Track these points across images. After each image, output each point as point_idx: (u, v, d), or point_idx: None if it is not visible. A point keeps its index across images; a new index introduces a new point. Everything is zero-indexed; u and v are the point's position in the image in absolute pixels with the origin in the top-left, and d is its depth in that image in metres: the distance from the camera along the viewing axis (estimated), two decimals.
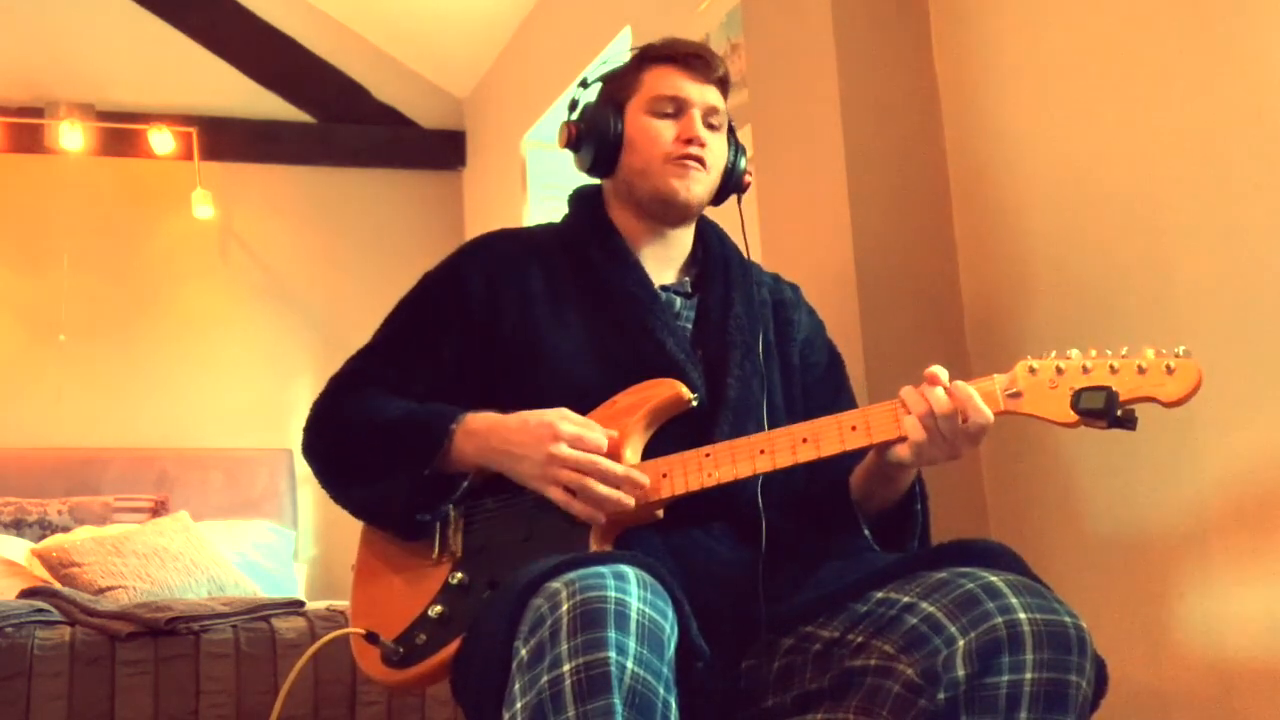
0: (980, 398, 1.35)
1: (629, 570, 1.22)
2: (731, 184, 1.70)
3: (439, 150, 5.22)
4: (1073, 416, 1.31)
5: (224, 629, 2.44)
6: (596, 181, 1.72)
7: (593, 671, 1.13)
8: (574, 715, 1.12)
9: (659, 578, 1.25)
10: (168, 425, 4.64)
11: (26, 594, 2.62)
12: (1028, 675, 1.20)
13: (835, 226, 2.29)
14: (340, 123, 5.09)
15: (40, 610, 2.42)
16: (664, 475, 1.43)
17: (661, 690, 1.17)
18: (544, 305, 1.60)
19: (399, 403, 1.56)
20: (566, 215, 1.74)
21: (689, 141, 1.60)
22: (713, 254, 1.69)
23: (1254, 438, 1.73)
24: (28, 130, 4.65)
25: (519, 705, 1.16)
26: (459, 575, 1.47)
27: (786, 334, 1.68)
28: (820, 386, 1.68)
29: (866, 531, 1.53)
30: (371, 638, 1.48)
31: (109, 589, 3.36)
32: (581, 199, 1.73)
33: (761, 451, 1.41)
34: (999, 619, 1.21)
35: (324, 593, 4.38)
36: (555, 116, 4.12)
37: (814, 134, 2.37)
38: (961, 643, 1.21)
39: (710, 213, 1.72)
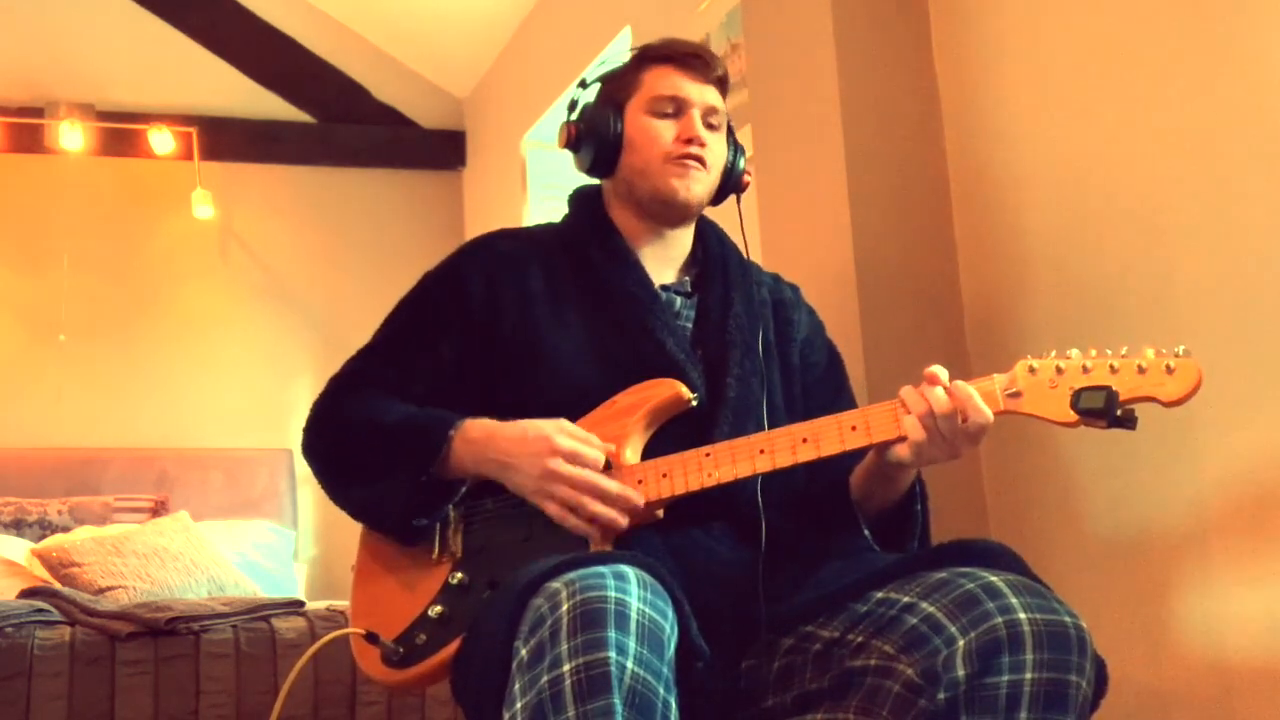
0: (980, 397, 1.35)
1: (629, 570, 1.22)
2: (731, 184, 1.70)
3: (439, 150, 5.22)
4: (1073, 416, 1.31)
5: (224, 629, 2.44)
6: (596, 181, 1.72)
7: (593, 671, 1.13)
8: (574, 715, 1.13)
9: (659, 578, 1.25)
10: (168, 425, 4.64)
11: (26, 594, 2.62)
12: (1028, 675, 1.20)
13: (835, 226, 2.29)
14: (340, 123, 5.09)
15: (40, 610, 2.42)
16: (664, 475, 1.43)
17: (661, 690, 1.17)
18: (544, 305, 1.60)
19: (399, 406, 1.56)
20: (566, 215, 1.74)
21: (689, 141, 1.60)
22: (712, 254, 1.69)
23: (1254, 438, 1.74)
24: (28, 130, 4.65)
25: (519, 705, 1.16)
26: (459, 575, 1.48)
27: (786, 334, 1.68)
28: (820, 386, 1.68)
29: (866, 531, 1.53)
30: (371, 638, 1.48)
31: (109, 589, 3.36)
32: (581, 199, 1.73)
33: (761, 451, 1.41)
34: (999, 619, 1.21)
35: (324, 593, 4.38)
36: (555, 116, 4.12)
37: (814, 134, 2.37)
38: (961, 643, 1.21)
39: (710, 213, 1.72)
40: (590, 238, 1.66)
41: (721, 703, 1.37)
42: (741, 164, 1.71)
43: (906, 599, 1.29)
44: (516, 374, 1.57)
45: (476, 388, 1.59)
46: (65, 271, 4.63)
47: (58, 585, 3.13)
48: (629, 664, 1.15)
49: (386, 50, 5.16)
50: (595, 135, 1.64)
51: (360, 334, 1.71)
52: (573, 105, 1.70)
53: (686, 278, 1.68)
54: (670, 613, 1.23)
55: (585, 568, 1.21)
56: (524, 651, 1.18)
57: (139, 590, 3.39)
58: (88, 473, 4.37)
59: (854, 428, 1.39)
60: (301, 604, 2.66)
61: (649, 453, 1.48)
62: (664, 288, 1.64)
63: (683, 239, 1.69)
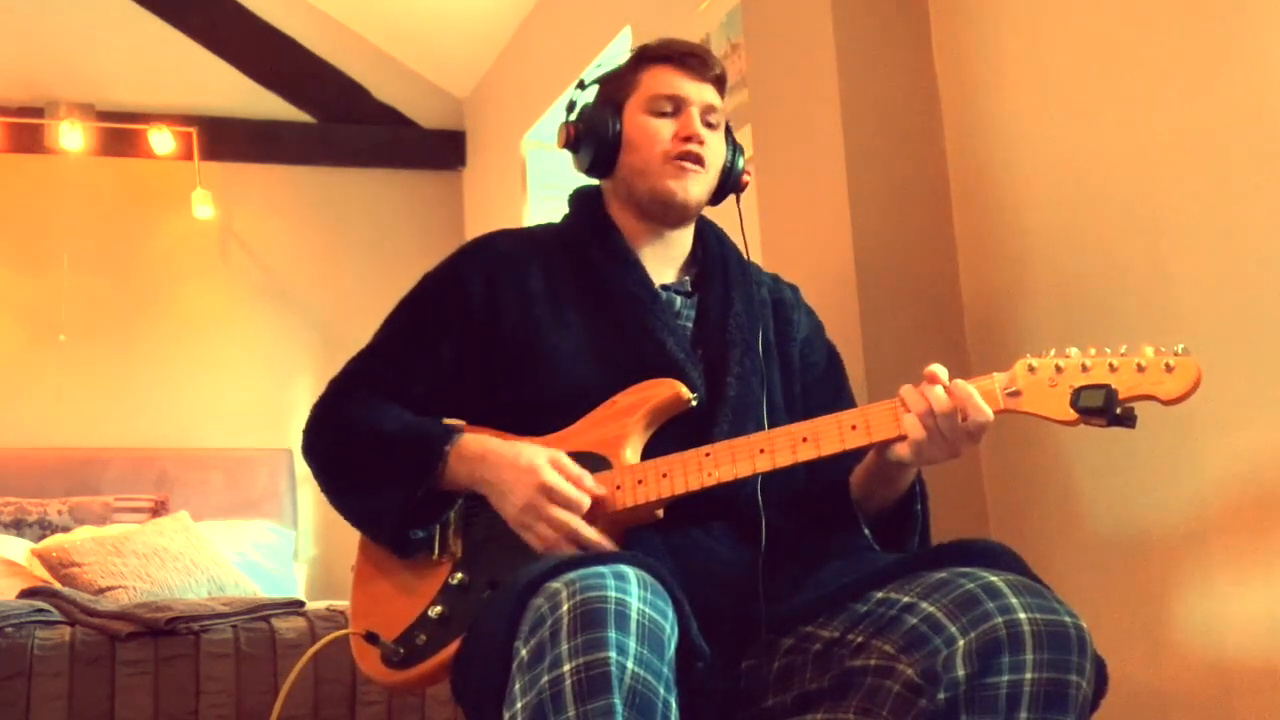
0: (980, 396, 1.35)
1: (629, 570, 1.22)
2: (730, 183, 1.70)
3: (439, 150, 5.22)
4: (1072, 415, 1.31)
5: (224, 629, 2.44)
6: (596, 182, 1.72)
7: (593, 671, 1.13)
8: (574, 715, 1.13)
9: (659, 578, 1.25)
10: (168, 425, 4.64)
11: (26, 594, 2.63)
12: (1028, 675, 1.20)
13: (835, 226, 2.29)
14: (340, 123, 5.09)
15: (40, 610, 2.42)
16: (664, 475, 1.43)
17: (662, 690, 1.17)
18: (544, 305, 1.60)
19: (397, 413, 1.56)
20: (566, 215, 1.74)
21: (688, 139, 1.60)
22: (712, 253, 1.69)
23: (1254, 438, 1.73)
24: (28, 130, 4.65)
25: (519, 705, 1.16)
26: (459, 575, 1.48)
27: (786, 334, 1.68)
28: (820, 386, 1.68)
29: (866, 531, 1.53)
30: (371, 638, 1.48)
31: (109, 589, 3.36)
32: (581, 199, 1.73)
33: (761, 451, 1.41)
34: (999, 619, 1.21)
35: (324, 593, 4.38)
36: (555, 117, 4.11)
37: (814, 134, 2.37)
38: (961, 643, 1.21)
39: (710, 212, 1.72)
40: (590, 237, 1.66)
41: (722, 703, 1.37)
42: (741, 163, 1.71)
43: (906, 599, 1.29)
44: (516, 374, 1.57)
45: (476, 388, 1.59)
46: (65, 271, 4.63)
47: (58, 585, 3.13)
48: (629, 664, 1.15)
49: (386, 50, 5.16)
50: (594, 135, 1.64)
51: (360, 334, 1.71)
52: (571, 106, 1.70)
53: (686, 277, 1.68)
54: (670, 613, 1.23)
55: (585, 568, 1.21)
56: (524, 651, 1.18)
57: (139, 590, 3.39)
58: (88, 473, 4.37)
59: (854, 427, 1.39)
60: (301, 604, 2.66)
61: (649, 452, 1.48)
62: (664, 287, 1.64)
63: (682, 239, 1.69)
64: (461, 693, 1.41)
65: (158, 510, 4.28)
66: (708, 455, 1.43)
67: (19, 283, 4.62)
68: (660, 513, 1.44)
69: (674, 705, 1.19)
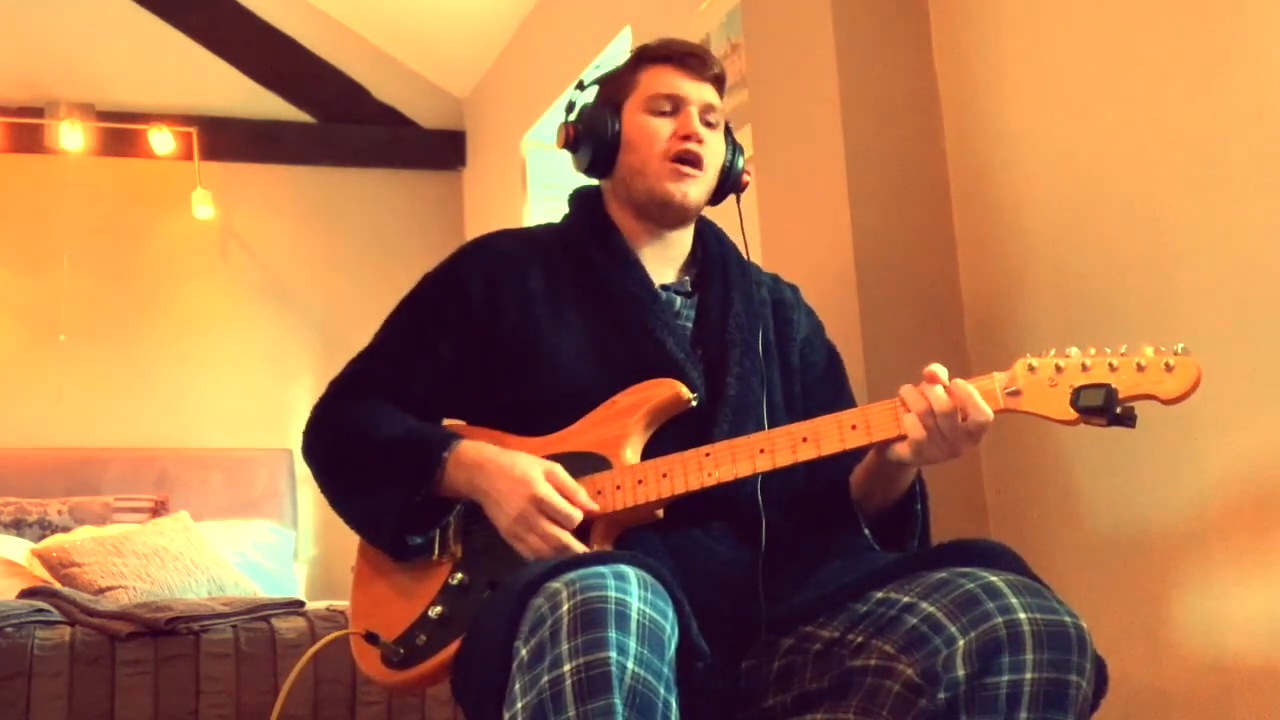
0: (980, 396, 1.35)
1: (629, 570, 1.22)
2: (730, 183, 1.70)
3: (439, 150, 5.22)
4: (1072, 414, 1.31)
5: (224, 629, 2.44)
6: (596, 182, 1.72)
7: (593, 671, 1.13)
8: (574, 715, 1.13)
9: (659, 578, 1.25)
10: (168, 425, 4.64)
11: (26, 594, 2.62)
12: (1028, 675, 1.20)
13: (835, 226, 2.29)
14: (340, 123, 5.09)
15: (40, 610, 2.42)
16: (664, 475, 1.43)
17: (662, 690, 1.17)
18: (544, 305, 1.60)
19: (397, 416, 1.56)
20: (566, 215, 1.74)
21: (686, 138, 1.60)
22: (712, 253, 1.69)
23: (1254, 438, 1.73)
24: (28, 130, 4.65)
25: (519, 705, 1.16)
26: (459, 576, 1.48)
27: (786, 334, 1.68)
28: (820, 386, 1.68)
29: (866, 531, 1.53)
30: (371, 638, 1.48)
31: (109, 589, 3.36)
32: (581, 199, 1.73)
33: (761, 451, 1.41)
34: (999, 619, 1.21)
35: (324, 593, 4.38)
36: (555, 117, 4.11)
37: (814, 134, 2.37)
38: (961, 642, 1.21)
39: (710, 213, 1.72)
40: (590, 237, 1.66)
41: (722, 703, 1.37)
42: (740, 163, 1.71)
43: (906, 599, 1.29)
44: (517, 374, 1.57)
45: (476, 388, 1.59)
46: (65, 271, 4.63)
47: (58, 585, 3.13)
48: (629, 664, 1.15)
49: (386, 50, 5.16)
50: (593, 135, 1.64)
51: (360, 334, 1.71)
52: (571, 106, 1.70)
53: (686, 277, 1.68)
54: (670, 613, 1.23)
55: (585, 568, 1.21)
56: (524, 651, 1.18)
57: (139, 590, 3.39)
58: (88, 473, 4.37)
59: (854, 426, 1.39)
60: (301, 604, 2.66)
61: (649, 452, 1.48)
62: (664, 287, 1.64)
63: (682, 239, 1.69)
64: (461, 693, 1.41)
65: (158, 510, 4.28)
66: (708, 455, 1.43)
67: (19, 283, 4.62)
68: (660, 513, 1.44)
69: (674, 705, 1.19)
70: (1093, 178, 2.02)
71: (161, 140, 4.70)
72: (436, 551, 1.51)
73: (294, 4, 5.03)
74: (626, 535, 1.45)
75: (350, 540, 1.63)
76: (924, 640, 1.24)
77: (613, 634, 1.15)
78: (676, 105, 1.63)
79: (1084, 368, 1.31)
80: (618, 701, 1.13)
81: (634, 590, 1.19)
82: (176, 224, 4.80)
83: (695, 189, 1.62)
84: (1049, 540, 2.09)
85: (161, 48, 4.88)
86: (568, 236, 1.69)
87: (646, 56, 1.68)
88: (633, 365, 1.53)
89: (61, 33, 4.75)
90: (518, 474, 1.43)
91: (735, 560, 1.47)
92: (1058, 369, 1.32)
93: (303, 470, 3.51)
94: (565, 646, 1.15)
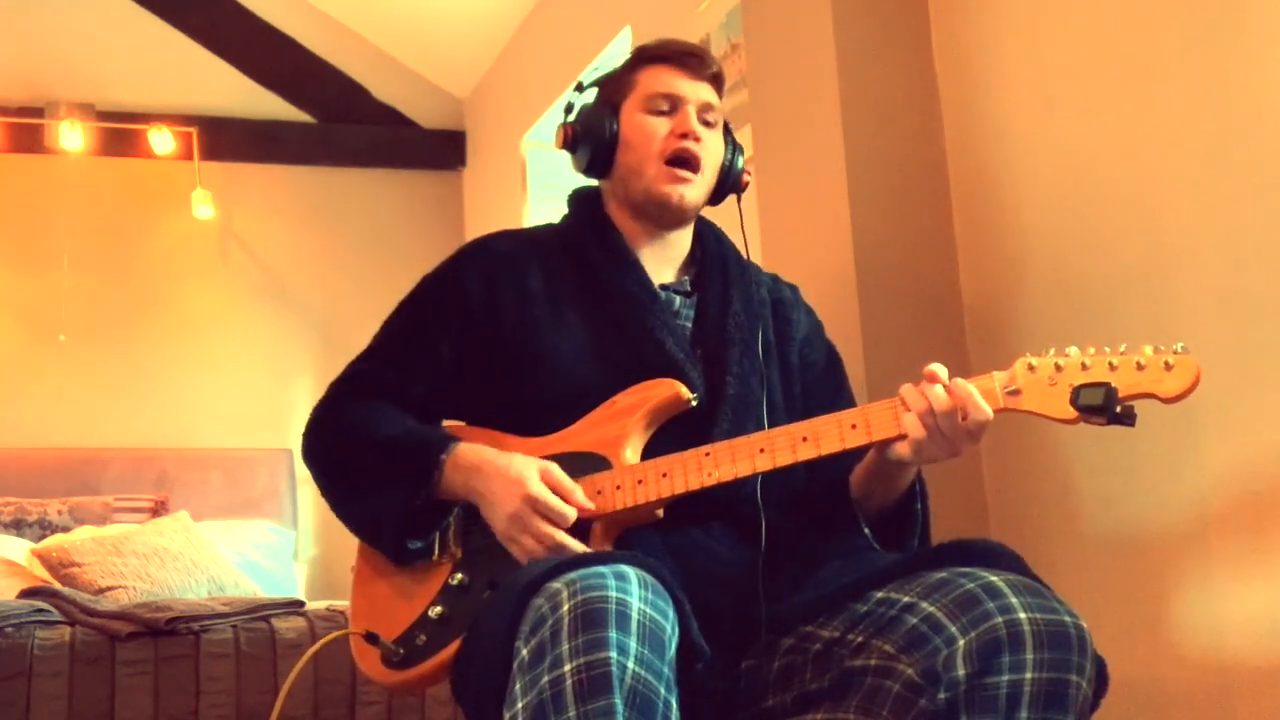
0: (980, 395, 1.35)
1: (630, 570, 1.22)
2: (729, 183, 1.70)
3: (439, 150, 5.22)
4: (1072, 413, 1.31)
5: (224, 629, 2.44)
6: (596, 182, 1.72)
7: (594, 671, 1.13)
8: (575, 715, 1.13)
9: (660, 578, 1.25)
10: (168, 425, 4.64)
11: (26, 594, 2.63)
12: (1028, 675, 1.20)
13: (835, 226, 2.29)
14: (340, 123, 5.09)
15: (40, 610, 2.42)
16: (664, 475, 1.43)
17: (662, 690, 1.17)
18: (544, 305, 1.60)
19: (397, 418, 1.56)
20: (566, 215, 1.74)
21: (684, 136, 1.60)
22: (711, 253, 1.69)
23: (1254, 437, 1.74)
24: (28, 130, 4.65)
25: (520, 705, 1.16)
26: (459, 576, 1.48)
27: (785, 333, 1.68)
28: (819, 386, 1.68)
29: (866, 530, 1.53)
30: (371, 638, 1.48)
31: (109, 589, 3.36)
32: (581, 199, 1.73)
33: (761, 450, 1.41)
34: (999, 619, 1.21)
35: (324, 593, 4.38)
36: (555, 117, 4.11)
37: (814, 134, 2.37)
38: (962, 642, 1.21)
39: (710, 213, 1.72)
40: (589, 237, 1.66)
41: (722, 703, 1.37)
42: (740, 163, 1.71)
43: (907, 599, 1.29)
44: (516, 374, 1.57)
45: (476, 388, 1.59)
46: (65, 271, 4.63)
47: (58, 585, 3.13)
48: (630, 664, 1.15)
49: (386, 50, 5.16)
50: (591, 135, 1.64)
51: (360, 334, 1.71)
52: (569, 108, 1.70)
53: (685, 277, 1.68)
54: (671, 613, 1.23)
55: (586, 568, 1.21)
56: (525, 651, 1.18)
57: (139, 590, 3.39)
58: (88, 473, 4.37)
59: (854, 426, 1.39)
60: (301, 604, 2.66)
61: (649, 452, 1.48)
62: (663, 287, 1.64)
63: (681, 239, 1.69)
64: (461, 693, 1.41)
65: (158, 510, 4.28)
66: (707, 455, 1.43)
67: (19, 283, 4.62)
68: (660, 512, 1.44)
69: (674, 705, 1.19)
70: (1093, 178, 2.02)
71: (161, 140, 4.70)
72: (436, 552, 1.51)
73: (294, 4, 5.03)
74: (626, 535, 1.45)
75: (350, 540, 1.63)
76: (924, 640, 1.24)
77: (613, 634, 1.15)
78: (674, 104, 1.63)
79: (1084, 367, 1.31)
80: (618, 701, 1.13)
81: (634, 590, 1.19)
82: (176, 224, 4.80)
83: (692, 191, 1.62)
84: (1049, 540, 2.09)
85: (161, 48, 4.88)
86: (567, 237, 1.69)
87: (644, 57, 1.68)
88: (632, 365, 1.53)
89: (61, 33, 4.75)
90: (513, 474, 1.43)
91: (735, 560, 1.47)
92: (1057, 368, 1.32)
93: (303, 470, 3.49)
94: (566, 646, 1.15)
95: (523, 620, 1.20)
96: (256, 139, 4.94)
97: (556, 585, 1.19)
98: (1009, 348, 2.15)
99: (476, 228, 4.90)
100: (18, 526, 4.00)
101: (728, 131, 1.70)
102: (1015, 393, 1.35)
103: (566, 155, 1.71)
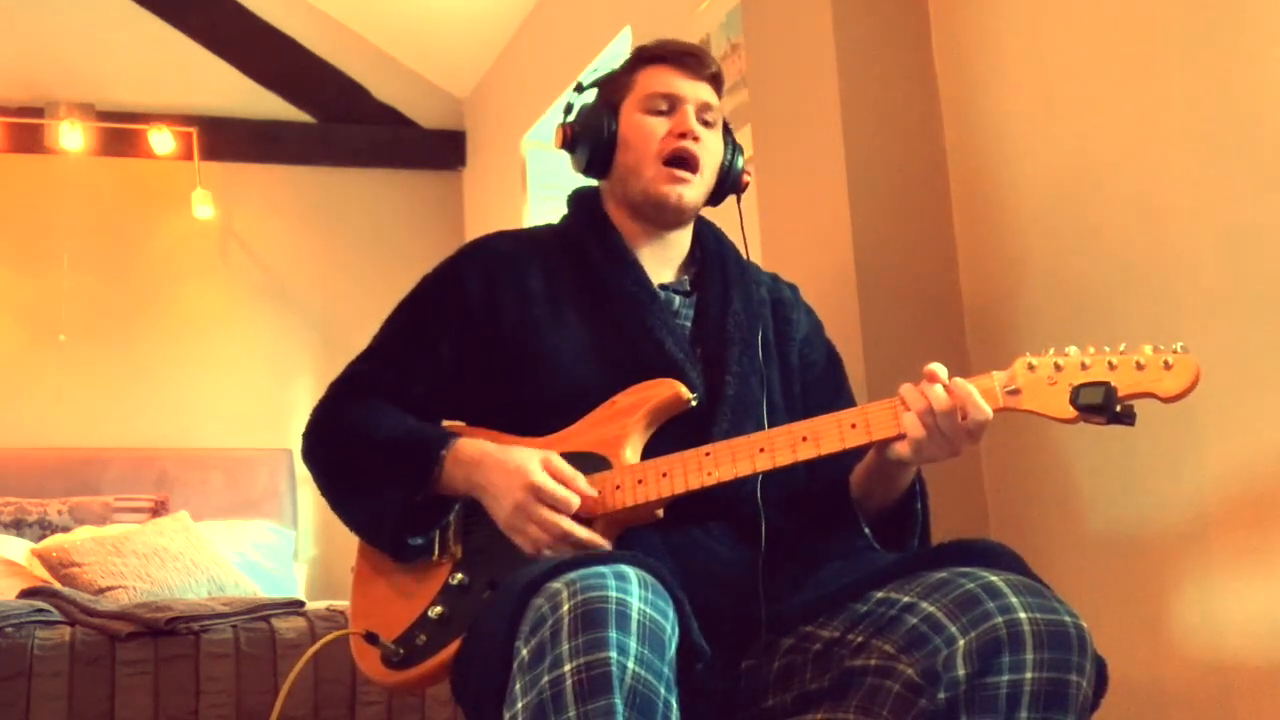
0: (979, 394, 1.35)
1: (630, 570, 1.22)
2: (729, 183, 1.70)
3: (439, 150, 5.22)
4: (1072, 412, 1.31)
5: (224, 629, 2.44)
6: (596, 182, 1.72)
7: (594, 671, 1.13)
8: (575, 715, 1.13)
9: (660, 578, 1.25)
10: (168, 425, 4.64)
11: (26, 594, 2.62)
12: (1028, 675, 1.20)
13: (835, 226, 2.29)
14: (340, 123, 5.09)
15: (40, 610, 2.42)
16: (664, 475, 1.43)
17: (662, 690, 1.17)
18: (543, 305, 1.60)
19: (397, 417, 1.56)
20: (565, 215, 1.74)
21: (682, 135, 1.60)
22: (710, 253, 1.69)
23: (1254, 437, 1.73)
24: (28, 130, 4.65)
25: (520, 705, 1.16)
26: (459, 576, 1.48)
27: (785, 333, 1.68)
28: (819, 385, 1.68)
29: (866, 530, 1.53)
30: (371, 638, 1.48)
31: (109, 589, 3.36)
32: (580, 199, 1.73)
33: (761, 450, 1.41)
34: (999, 619, 1.21)
35: (324, 593, 4.38)
36: (555, 117, 4.10)
37: (814, 134, 2.37)
38: (962, 642, 1.21)
39: (710, 213, 1.72)
40: (589, 237, 1.66)
41: (722, 703, 1.37)
42: (740, 163, 1.71)
43: (907, 599, 1.29)
44: (516, 374, 1.57)
45: (476, 388, 1.59)
46: (65, 271, 4.63)
47: (58, 585, 3.13)
48: (630, 664, 1.15)
49: (386, 50, 5.16)
50: (590, 135, 1.65)
51: (360, 334, 1.71)
52: (569, 108, 1.70)
53: (685, 276, 1.68)
54: (671, 613, 1.23)
55: (586, 568, 1.21)
56: (525, 651, 1.18)
57: (139, 590, 3.39)
58: (88, 473, 4.37)
59: (854, 425, 1.39)
60: (301, 604, 2.66)
61: (649, 452, 1.48)
62: (663, 287, 1.64)
63: (681, 239, 1.69)
64: (461, 693, 1.41)
65: (158, 510, 4.28)
66: (707, 455, 1.43)
67: (19, 283, 4.62)
68: (660, 512, 1.44)
69: (674, 705, 1.19)
70: (1093, 178, 2.02)
71: (161, 140, 4.70)
72: (436, 552, 1.51)
73: (294, 4, 5.03)
74: (626, 535, 1.45)
75: (350, 540, 1.63)
76: (924, 640, 1.24)
77: (613, 634, 1.15)
78: (673, 104, 1.63)
79: (1083, 366, 1.31)
80: (618, 701, 1.13)
81: (634, 590, 1.19)
82: (176, 224, 4.80)
83: (691, 190, 1.62)
84: (1049, 540, 2.09)
85: (161, 48, 4.88)
86: (567, 237, 1.69)
87: (643, 57, 1.68)
88: (632, 365, 1.53)
89: (61, 33, 4.76)
90: (513, 465, 1.43)
91: (735, 560, 1.47)
92: (1057, 367, 1.32)
93: (302, 470, 3.48)
94: (566, 646, 1.15)
95: (523, 620, 1.20)
96: (256, 139, 4.94)
97: (556, 585, 1.19)
98: (1009, 347, 2.15)
99: (476, 228, 4.90)
100: (18, 526, 4.00)
101: (727, 131, 1.70)
102: (1015, 392, 1.35)
103: (566, 155, 1.71)
